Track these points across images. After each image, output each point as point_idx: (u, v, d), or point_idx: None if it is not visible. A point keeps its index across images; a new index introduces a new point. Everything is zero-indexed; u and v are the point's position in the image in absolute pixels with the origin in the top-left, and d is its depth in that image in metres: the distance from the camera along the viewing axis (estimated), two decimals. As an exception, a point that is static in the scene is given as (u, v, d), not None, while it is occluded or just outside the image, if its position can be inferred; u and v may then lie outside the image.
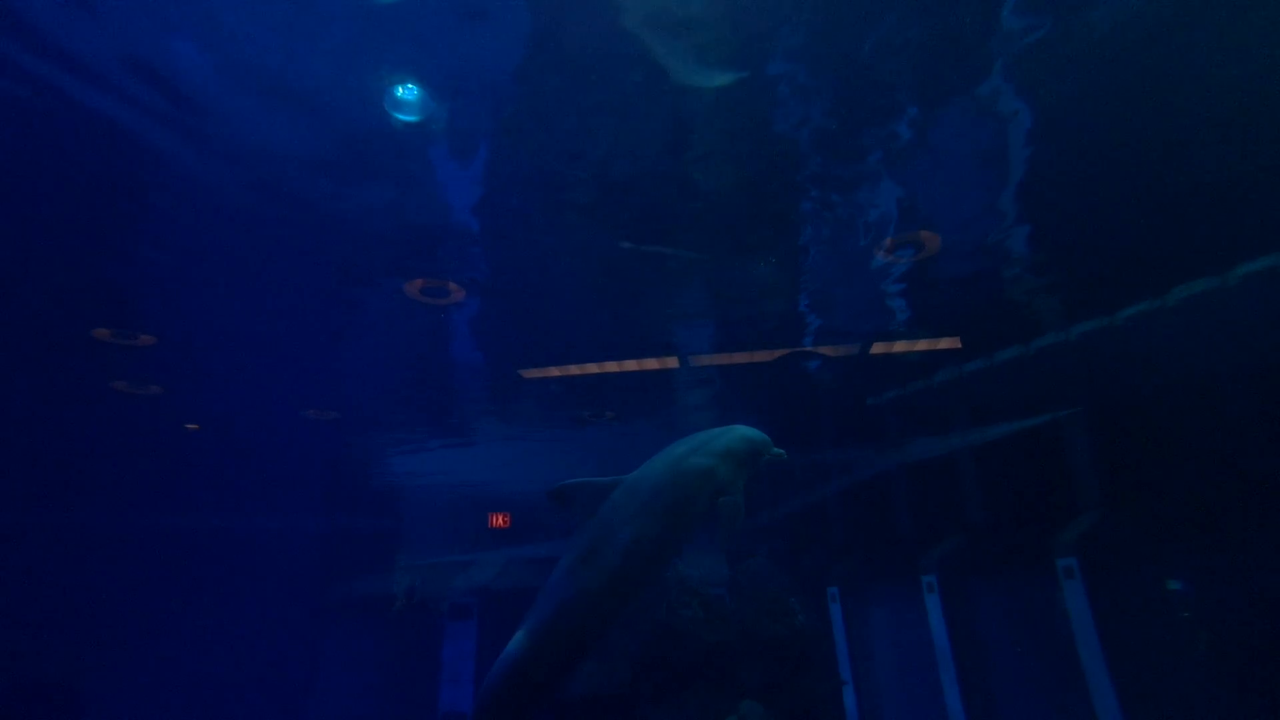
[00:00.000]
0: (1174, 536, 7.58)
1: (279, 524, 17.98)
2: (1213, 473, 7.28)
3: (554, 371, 8.90)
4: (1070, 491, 8.94)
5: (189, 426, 10.92)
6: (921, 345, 8.14)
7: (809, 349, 8.24)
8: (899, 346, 8.16)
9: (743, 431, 4.74)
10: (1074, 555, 8.20)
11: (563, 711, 10.31)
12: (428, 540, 15.75)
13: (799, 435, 11.59)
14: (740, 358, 8.55)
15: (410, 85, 3.98)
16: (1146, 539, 7.83)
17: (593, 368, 8.84)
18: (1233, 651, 6.90)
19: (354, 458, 12.93)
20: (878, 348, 8.16)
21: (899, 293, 6.87)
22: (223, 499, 16.24)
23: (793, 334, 7.88)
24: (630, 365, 8.77)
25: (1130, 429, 8.46)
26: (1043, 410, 9.30)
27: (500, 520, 15.52)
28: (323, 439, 11.69)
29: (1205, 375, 7.64)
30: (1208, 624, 7.16)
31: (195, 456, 12.56)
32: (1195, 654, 7.22)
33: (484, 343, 8.03)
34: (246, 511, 17.38)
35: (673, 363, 8.69)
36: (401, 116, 4.18)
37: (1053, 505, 9.04)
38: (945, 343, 8.04)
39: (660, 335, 7.94)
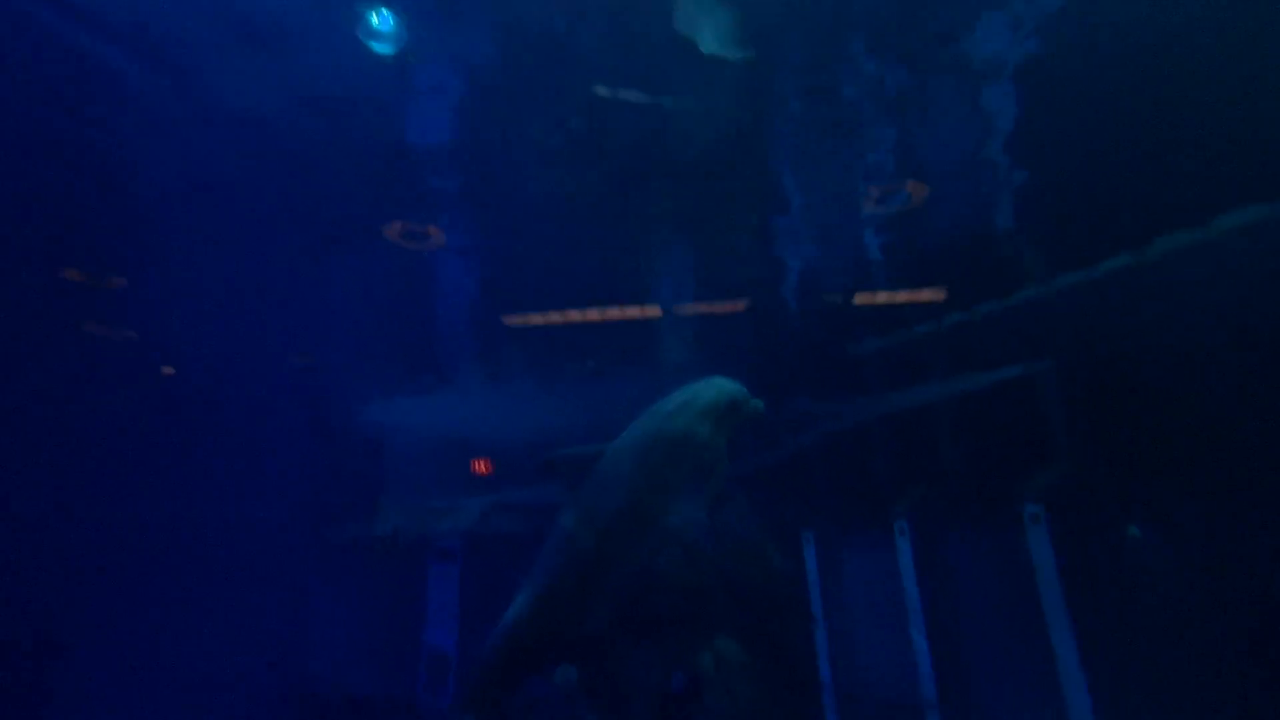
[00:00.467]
0: (1140, 486, 7.79)
1: (260, 469, 17.97)
2: (1182, 425, 7.43)
3: (537, 319, 8.85)
4: (1041, 442, 9.11)
5: (164, 370, 10.79)
6: (904, 296, 8.18)
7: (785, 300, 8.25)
8: (882, 297, 8.20)
9: (721, 386, 4.73)
10: (1041, 503, 8.40)
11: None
12: (411, 485, 15.86)
13: (781, 385, 11.69)
14: (722, 307, 8.55)
15: (385, 12, 3.80)
16: (1112, 488, 8.04)
17: (575, 316, 8.79)
18: (1190, 597, 7.20)
19: (336, 403, 12.88)
20: (861, 298, 8.19)
21: (884, 242, 6.86)
22: (203, 445, 16.15)
23: (776, 283, 7.87)
24: (613, 314, 8.74)
25: (1104, 381, 8.59)
26: (1020, 362, 9.42)
27: (482, 466, 15.62)
28: (304, 384, 11.61)
29: (1181, 328, 7.71)
30: (1167, 571, 7.44)
31: (171, 402, 12.43)
32: (1154, 599, 7.52)
33: (466, 289, 7.94)
34: (227, 456, 17.32)
35: (655, 312, 8.67)
36: (377, 47, 4.01)
37: (1024, 455, 9.21)
38: (927, 294, 8.08)
39: (643, 285, 7.89)
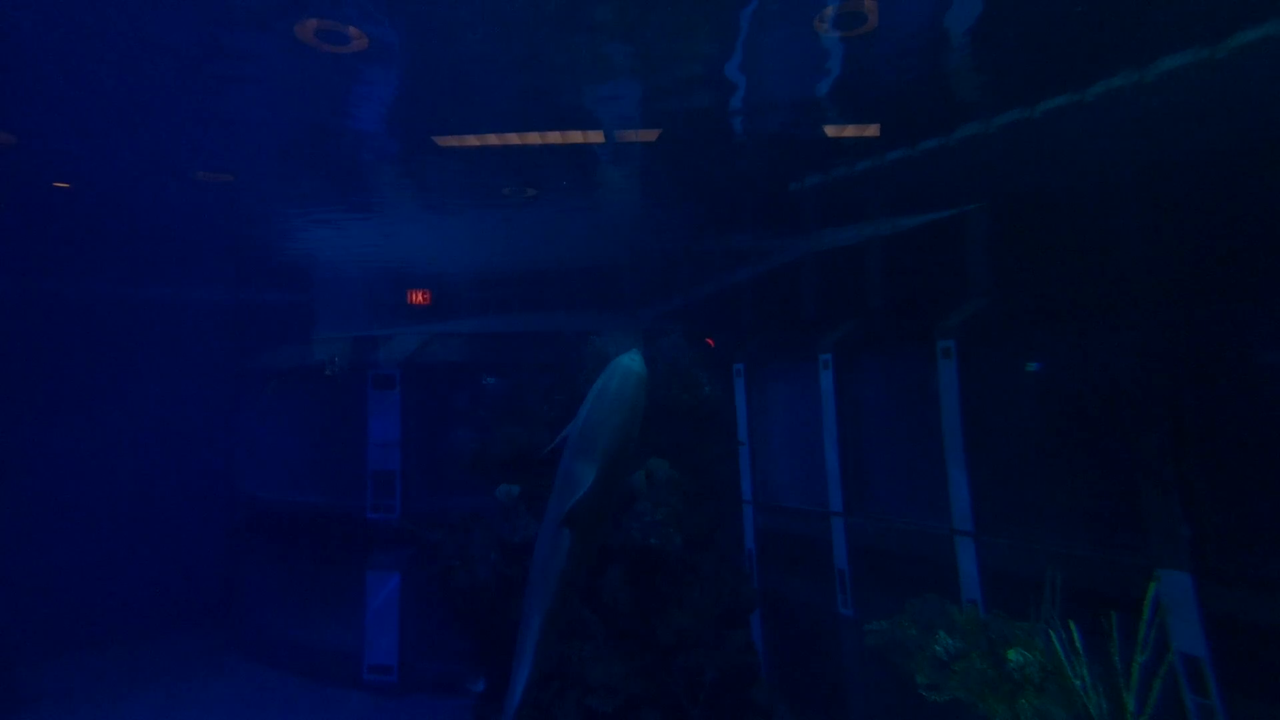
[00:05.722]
0: (1044, 324, 8.41)
1: (180, 294, 17.32)
2: (1090, 264, 7.92)
3: (471, 141, 8.37)
4: (963, 282, 9.58)
5: (58, 185, 9.86)
6: (850, 131, 8.06)
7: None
8: (829, 131, 8.06)
9: (635, 368, 6.18)
10: (953, 338, 8.99)
11: (489, 469, 11.24)
12: (346, 314, 15.66)
13: (720, 219, 11.70)
14: (666, 135, 8.26)
15: None
16: (1020, 325, 8.65)
17: (514, 139, 8.35)
18: (1062, 421, 8.07)
19: (257, 226, 12.21)
20: (806, 131, 8.03)
21: (834, 70, 6.63)
22: (113, 266, 15.26)
23: (723, 112, 7.60)
24: (554, 138, 8.34)
25: (1029, 223, 8.93)
26: (954, 203, 9.66)
27: (420, 297, 15.50)
28: (219, 204, 10.89)
29: (1109, 173, 7.96)
30: (1048, 398, 8.26)
31: (71, 219, 11.51)
32: (1033, 423, 8.41)
33: (392, 103, 7.35)
34: (142, 281, 16.53)
35: (597, 138, 8.31)
36: None
37: (946, 294, 9.70)
38: (872, 129, 7.99)
39: (586, 107, 7.48)
